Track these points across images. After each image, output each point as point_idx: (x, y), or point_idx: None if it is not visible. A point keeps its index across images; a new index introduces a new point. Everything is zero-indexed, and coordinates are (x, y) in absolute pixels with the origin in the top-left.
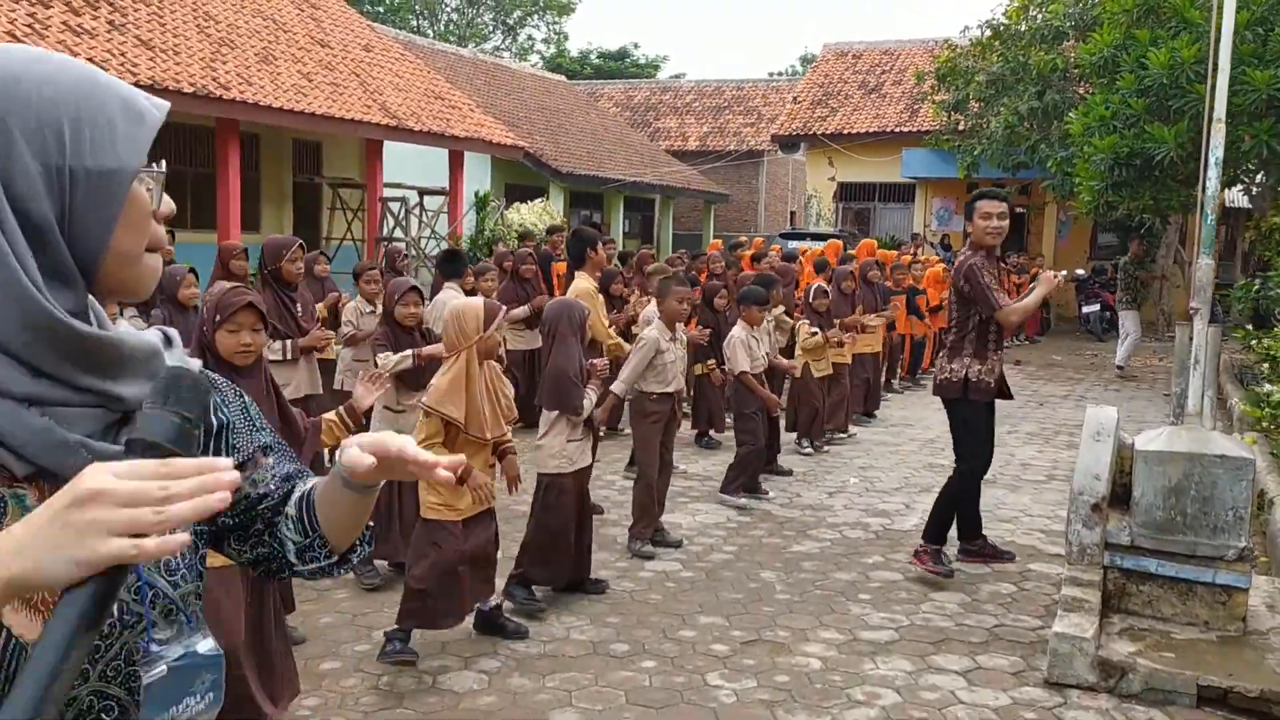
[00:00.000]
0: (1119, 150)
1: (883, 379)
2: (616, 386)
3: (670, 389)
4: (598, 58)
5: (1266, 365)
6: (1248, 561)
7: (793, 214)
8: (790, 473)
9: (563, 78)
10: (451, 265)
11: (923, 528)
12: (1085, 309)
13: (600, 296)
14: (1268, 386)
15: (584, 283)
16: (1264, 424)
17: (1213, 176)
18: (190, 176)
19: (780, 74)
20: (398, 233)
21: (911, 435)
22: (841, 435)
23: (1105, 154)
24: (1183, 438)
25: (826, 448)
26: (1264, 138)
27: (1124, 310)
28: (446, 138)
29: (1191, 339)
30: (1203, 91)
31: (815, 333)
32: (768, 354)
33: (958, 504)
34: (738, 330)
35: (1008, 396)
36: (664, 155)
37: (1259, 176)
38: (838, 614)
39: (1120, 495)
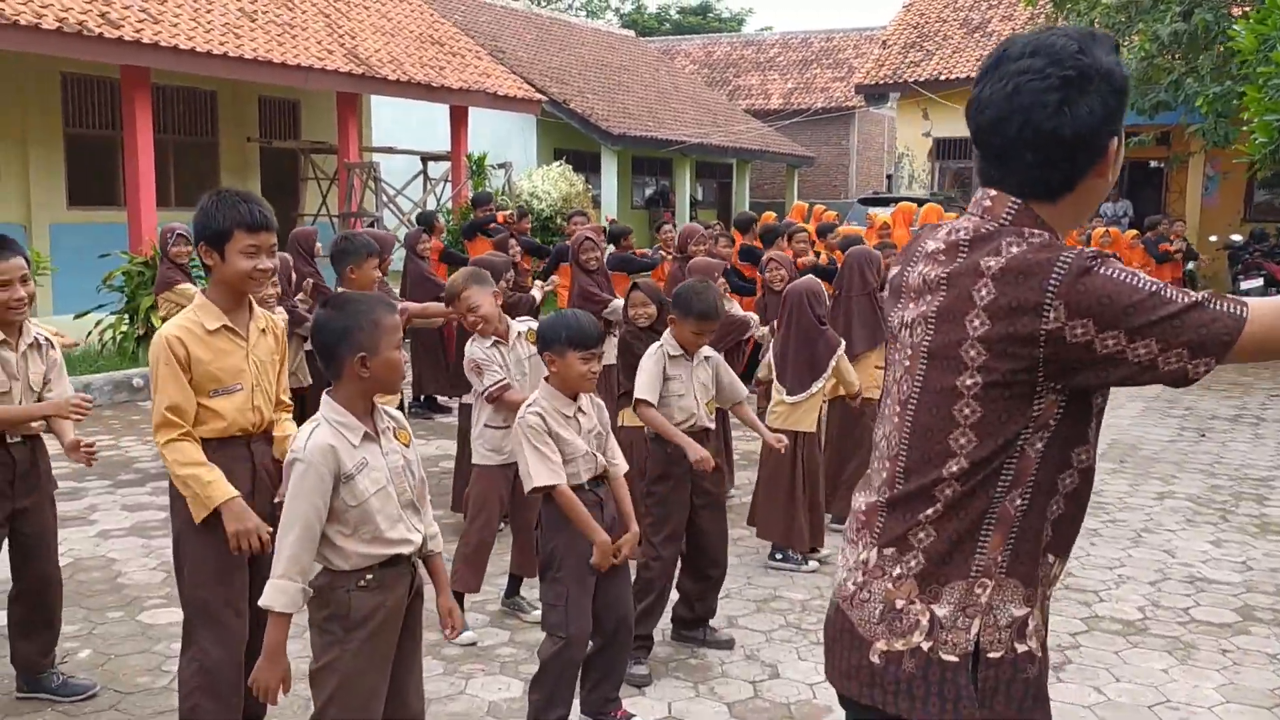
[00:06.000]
0: None
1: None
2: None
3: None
4: (677, 13)
5: None
6: None
7: (889, 177)
8: (731, 643)
9: (631, 33)
10: None
11: None
12: (1244, 284)
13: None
14: None
15: None
16: None
17: None
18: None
19: (880, 29)
20: (385, 207)
21: None
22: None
23: None
24: None
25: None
26: None
27: None
28: (437, 89)
29: None
30: None
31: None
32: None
33: None
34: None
35: None
36: (742, 115)
37: None
38: None
39: None
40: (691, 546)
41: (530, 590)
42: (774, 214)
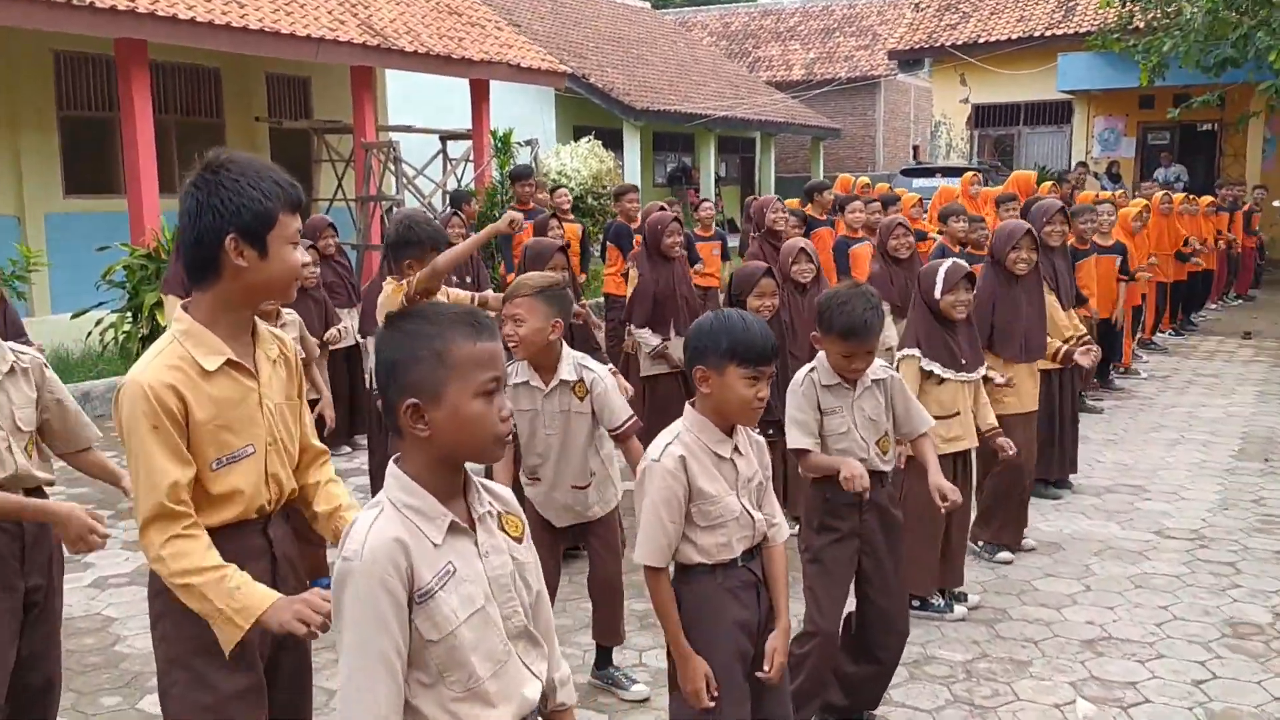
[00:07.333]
0: None
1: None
2: None
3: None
4: None
5: None
6: None
7: (915, 148)
8: None
9: (647, 5)
10: None
11: None
12: None
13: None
14: None
15: None
16: None
17: None
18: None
19: None
20: (405, 190)
21: (1168, 531)
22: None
23: None
24: None
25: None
26: None
27: None
28: (457, 61)
29: None
30: None
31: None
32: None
33: None
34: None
35: None
36: (764, 87)
37: None
38: None
39: None
40: (855, 619)
41: (621, 655)
42: (848, 179)
